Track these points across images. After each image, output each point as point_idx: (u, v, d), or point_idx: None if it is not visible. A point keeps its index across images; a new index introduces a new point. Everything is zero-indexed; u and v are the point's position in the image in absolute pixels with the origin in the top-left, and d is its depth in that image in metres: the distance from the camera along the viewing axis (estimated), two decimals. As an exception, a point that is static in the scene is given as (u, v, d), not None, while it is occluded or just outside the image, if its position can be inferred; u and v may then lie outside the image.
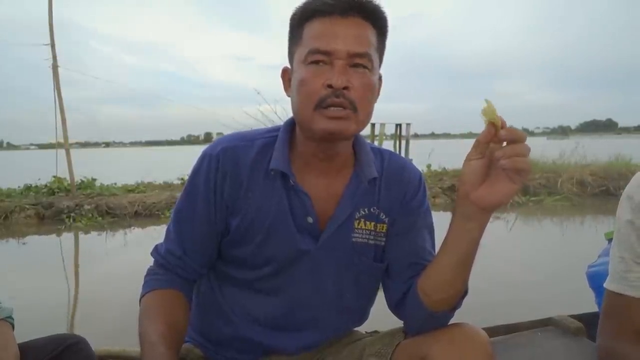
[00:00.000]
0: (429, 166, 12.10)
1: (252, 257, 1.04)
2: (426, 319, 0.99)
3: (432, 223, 1.12)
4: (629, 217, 1.04)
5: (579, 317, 1.61)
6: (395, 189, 1.07)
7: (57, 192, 9.90)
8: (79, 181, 10.31)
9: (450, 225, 0.93)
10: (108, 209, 9.01)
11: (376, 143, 9.34)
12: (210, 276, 1.12)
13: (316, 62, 0.92)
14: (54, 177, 10.30)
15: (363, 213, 1.04)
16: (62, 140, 10.01)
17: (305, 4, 0.96)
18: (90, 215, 8.70)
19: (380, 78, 1.01)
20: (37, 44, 10.08)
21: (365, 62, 0.93)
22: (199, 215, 1.03)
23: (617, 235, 1.08)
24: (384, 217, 1.06)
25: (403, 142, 10.41)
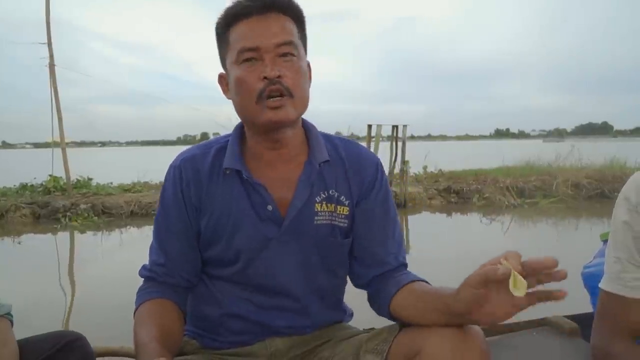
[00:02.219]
0: (425, 168, 12.13)
1: (224, 254, 1.09)
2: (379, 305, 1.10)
3: (394, 210, 1.18)
4: (626, 218, 1.04)
5: (574, 318, 1.62)
6: (353, 174, 1.13)
7: (53, 192, 9.88)
8: (75, 180, 10.29)
9: (446, 300, 0.92)
10: (104, 209, 9.00)
11: (373, 144, 9.31)
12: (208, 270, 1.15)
13: (248, 60, 0.99)
14: (50, 176, 10.27)
15: (323, 196, 1.10)
16: (58, 140, 9.99)
17: (225, 12, 1.03)
18: (86, 214, 8.69)
19: (308, 65, 1.09)
20: (34, 43, 10.06)
21: (291, 49, 1.01)
22: (174, 220, 1.10)
23: (613, 236, 1.08)
24: (344, 199, 1.11)
25: (399, 144, 10.43)
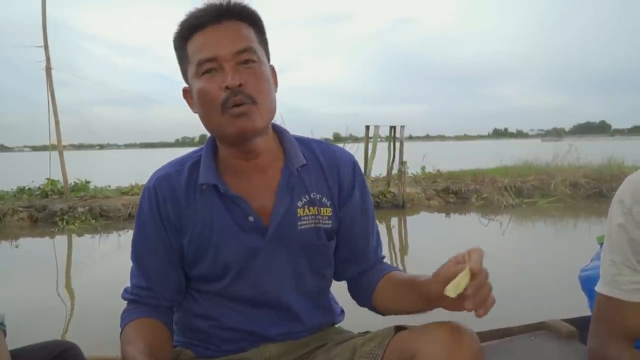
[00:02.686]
0: (423, 168, 12.13)
1: (211, 270, 1.08)
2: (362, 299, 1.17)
3: (371, 204, 1.21)
4: (620, 220, 1.04)
5: (571, 321, 1.61)
6: (331, 175, 1.13)
7: (51, 195, 9.87)
8: (73, 183, 10.27)
9: (420, 288, 0.98)
10: (102, 212, 8.98)
11: (370, 145, 9.32)
12: (194, 287, 1.15)
13: (208, 71, 0.98)
14: (48, 179, 10.26)
15: (305, 200, 1.09)
16: (55, 143, 9.97)
17: (180, 25, 1.02)
18: (83, 217, 8.67)
19: (273, 69, 1.07)
20: (30, 46, 10.05)
21: (251, 55, 0.99)
22: (153, 243, 1.09)
23: (608, 239, 1.08)
24: (325, 201, 1.11)
25: (397, 145, 10.43)
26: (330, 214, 1.11)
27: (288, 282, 1.10)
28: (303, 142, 1.15)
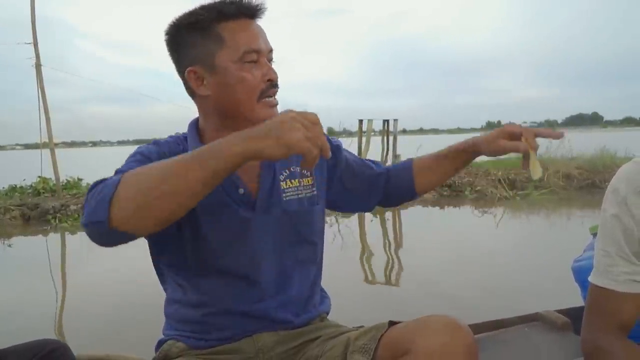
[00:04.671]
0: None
1: (206, 242, 1.08)
2: (403, 193, 1.36)
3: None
4: (615, 211, 1.04)
5: (565, 312, 1.62)
6: None
7: (43, 193, 9.80)
8: (65, 181, 10.21)
9: (462, 151, 1.31)
10: (95, 209, 8.93)
11: (364, 139, 9.33)
12: (178, 275, 1.15)
13: (252, 61, 1.06)
14: (39, 177, 10.19)
15: (286, 174, 1.17)
16: (47, 140, 9.90)
17: (211, 7, 1.05)
18: (76, 215, 8.61)
19: None
20: (19, 43, 9.95)
21: (273, 56, 1.11)
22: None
23: (602, 229, 1.08)
24: (305, 172, 1.21)
25: (391, 138, 10.42)
26: (312, 182, 1.21)
27: (280, 254, 1.14)
28: None
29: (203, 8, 1.06)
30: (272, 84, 1.07)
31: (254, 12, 1.08)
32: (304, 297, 1.18)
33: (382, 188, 1.35)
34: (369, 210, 1.39)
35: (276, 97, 1.10)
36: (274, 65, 1.10)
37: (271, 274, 1.13)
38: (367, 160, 1.40)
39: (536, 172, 1.10)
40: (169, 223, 0.83)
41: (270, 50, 1.10)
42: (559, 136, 1.16)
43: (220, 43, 1.05)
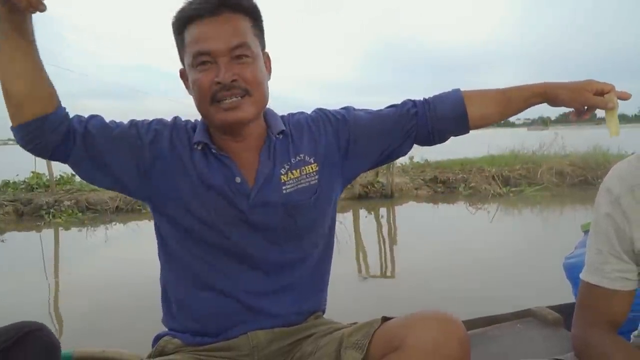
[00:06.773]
0: (411, 158, 12.15)
1: (204, 225, 1.09)
2: (453, 122, 1.22)
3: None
4: (607, 210, 1.04)
5: (557, 308, 1.64)
6: (305, 133, 1.19)
7: (36, 188, 9.74)
8: (58, 177, 10.14)
9: (533, 95, 1.20)
10: (88, 205, 8.90)
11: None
12: (177, 270, 1.15)
13: (202, 63, 1.03)
14: (33, 172, 10.12)
15: (287, 167, 1.14)
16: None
17: (179, 13, 1.06)
18: (70, 211, 8.58)
19: (267, 57, 1.14)
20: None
21: (245, 51, 1.04)
22: (126, 139, 1.10)
23: (594, 228, 1.09)
24: (309, 158, 1.16)
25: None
26: (316, 168, 1.16)
27: (275, 247, 1.13)
28: (292, 115, 1.23)
29: (176, 14, 1.06)
30: (223, 86, 1.02)
31: (212, 7, 1.02)
32: (301, 293, 1.17)
33: (413, 127, 1.22)
34: (405, 154, 1.28)
35: (237, 97, 1.03)
36: (242, 62, 1.04)
37: (265, 268, 1.12)
38: (389, 107, 1.26)
39: (616, 130, 1.11)
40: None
41: (235, 47, 1.02)
42: (628, 97, 1.14)
43: (184, 47, 1.07)
